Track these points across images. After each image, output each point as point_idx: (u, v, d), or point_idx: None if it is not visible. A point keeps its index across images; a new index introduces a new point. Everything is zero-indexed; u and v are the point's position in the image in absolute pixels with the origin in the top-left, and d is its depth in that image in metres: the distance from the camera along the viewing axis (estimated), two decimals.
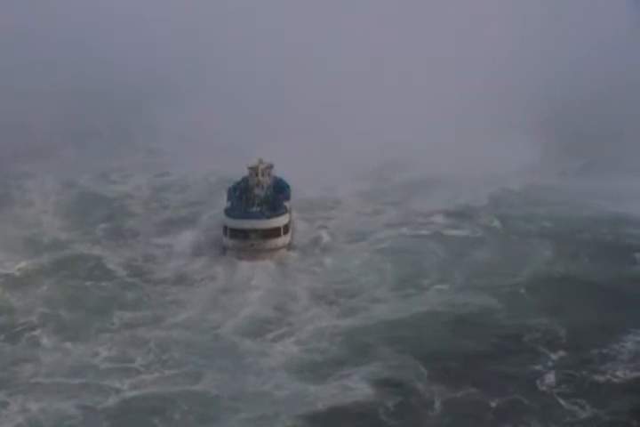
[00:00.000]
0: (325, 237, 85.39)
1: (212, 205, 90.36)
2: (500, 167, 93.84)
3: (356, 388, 63.58)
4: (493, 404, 60.94)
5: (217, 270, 79.08)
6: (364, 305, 74.13)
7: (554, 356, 65.92)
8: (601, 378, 63.56)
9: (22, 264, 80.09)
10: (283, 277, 79.00)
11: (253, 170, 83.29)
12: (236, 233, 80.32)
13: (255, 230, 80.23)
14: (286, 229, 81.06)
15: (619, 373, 64.05)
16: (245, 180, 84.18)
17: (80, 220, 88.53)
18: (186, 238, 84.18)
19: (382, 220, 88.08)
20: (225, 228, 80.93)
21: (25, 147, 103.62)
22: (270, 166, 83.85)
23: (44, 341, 70.44)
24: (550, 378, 63.45)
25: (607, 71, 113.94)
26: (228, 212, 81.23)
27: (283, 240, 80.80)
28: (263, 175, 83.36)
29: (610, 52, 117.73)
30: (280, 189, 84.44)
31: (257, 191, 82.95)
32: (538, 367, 64.73)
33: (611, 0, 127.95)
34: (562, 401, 61.29)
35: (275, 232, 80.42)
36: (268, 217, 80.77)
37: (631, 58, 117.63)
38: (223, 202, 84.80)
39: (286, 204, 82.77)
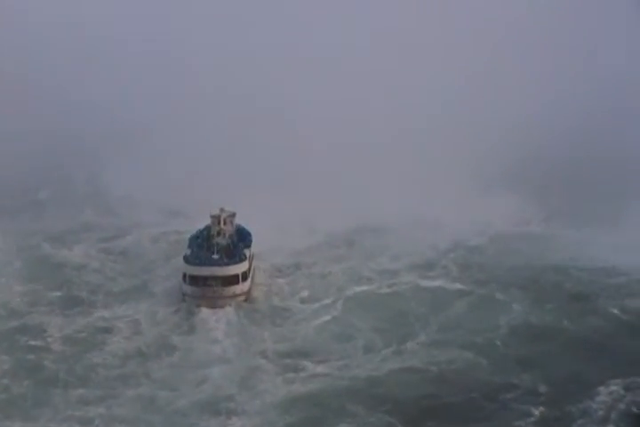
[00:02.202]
0: (290, 292, 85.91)
1: (168, 270, 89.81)
2: (468, 217, 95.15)
3: None
4: None
5: (173, 340, 78.34)
6: (334, 364, 74.35)
7: (534, 411, 67.46)
8: None
9: None
10: (245, 337, 78.94)
11: (215, 218, 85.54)
12: (194, 280, 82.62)
13: (214, 277, 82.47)
14: (245, 276, 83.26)
15: None
16: (208, 228, 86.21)
17: (31, 287, 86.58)
18: (140, 308, 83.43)
19: (350, 276, 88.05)
20: (184, 275, 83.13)
21: None
22: (233, 215, 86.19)
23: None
24: None
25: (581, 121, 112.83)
26: (187, 259, 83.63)
27: (241, 287, 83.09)
28: (225, 224, 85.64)
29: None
30: (241, 237, 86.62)
31: (218, 239, 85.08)
32: (519, 423, 66.17)
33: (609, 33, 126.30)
34: None
35: (233, 279, 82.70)
36: (227, 264, 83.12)
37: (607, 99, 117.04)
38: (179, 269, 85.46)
39: (247, 251, 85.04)
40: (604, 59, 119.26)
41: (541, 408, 67.99)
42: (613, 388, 70.16)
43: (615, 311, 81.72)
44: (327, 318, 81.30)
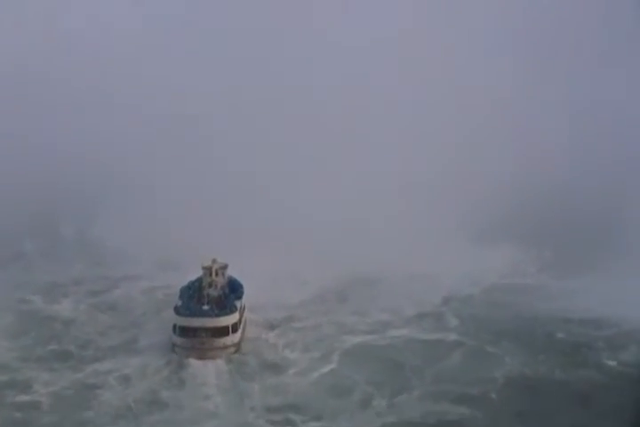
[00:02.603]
0: (282, 345, 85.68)
1: (158, 323, 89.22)
2: (460, 269, 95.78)
3: None
4: None
5: (164, 396, 77.55)
6: (327, 418, 73.80)
7: None
8: None
9: None
10: (236, 391, 78.32)
11: (207, 269, 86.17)
12: (184, 331, 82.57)
13: (204, 328, 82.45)
14: (235, 327, 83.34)
15: None
16: (199, 279, 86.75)
17: (19, 341, 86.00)
18: (130, 362, 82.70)
19: (344, 329, 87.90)
20: (174, 326, 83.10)
21: None
22: (225, 266, 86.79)
23: None
24: None
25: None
26: (177, 310, 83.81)
27: (232, 339, 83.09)
28: (217, 275, 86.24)
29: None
30: (233, 289, 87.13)
31: (209, 291, 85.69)
32: None
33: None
34: None
35: (223, 331, 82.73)
36: (217, 315, 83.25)
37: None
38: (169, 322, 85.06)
39: (238, 303, 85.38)
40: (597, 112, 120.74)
41: None
42: None
43: (608, 363, 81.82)
44: (320, 371, 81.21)
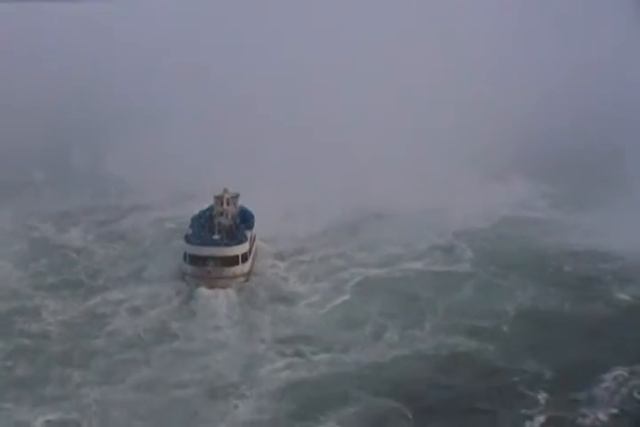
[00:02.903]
0: (292, 276, 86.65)
1: (168, 252, 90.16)
2: (472, 204, 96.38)
3: None
4: None
5: (174, 326, 78.48)
6: (331, 350, 74.86)
7: (540, 398, 68.25)
8: (585, 421, 66.04)
9: None
10: (246, 322, 79.21)
11: (218, 199, 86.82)
12: (194, 260, 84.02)
13: (213, 258, 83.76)
14: (245, 257, 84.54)
15: (600, 415, 66.69)
16: (211, 208, 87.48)
17: (30, 269, 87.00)
18: (140, 291, 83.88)
19: (355, 262, 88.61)
20: (184, 254, 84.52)
21: None
22: (236, 196, 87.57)
23: None
24: (539, 420, 65.78)
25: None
26: (188, 238, 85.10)
27: (241, 269, 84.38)
28: (228, 204, 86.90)
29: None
30: (244, 219, 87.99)
31: (221, 220, 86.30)
32: (525, 410, 66.74)
33: None
34: None
35: (233, 260, 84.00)
36: (227, 245, 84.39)
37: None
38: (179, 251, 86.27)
39: (248, 233, 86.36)
40: (603, 52, 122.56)
41: (546, 394, 68.67)
42: (617, 373, 71.03)
43: (617, 296, 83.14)
44: (331, 303, 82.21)
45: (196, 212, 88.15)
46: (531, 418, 66.43)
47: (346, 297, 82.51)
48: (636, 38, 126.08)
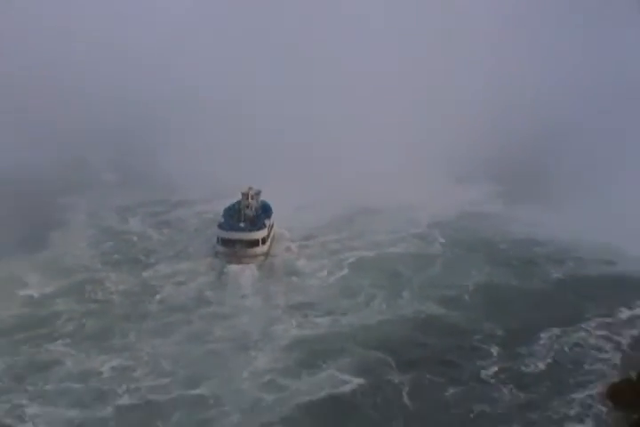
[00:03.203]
0: (302, 255, 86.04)
1: (205, 238, 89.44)
2: (442, 201, 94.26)
3: (333, 376, 65.89)
4: (450, 389, 64.55)
5: (209, 295, 78.60)
6: (332, 314, 75.23)
7: (493, 351, 69.50)
8: (527, 369, 67.58)
9: (50, 285, 78.41)
10: (266, 291, 79.64)
11: (244, 195, 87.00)
12: (225, 242, 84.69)
13: (240, 240, 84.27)
14: (264, 240, 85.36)
15: (539, 364, 68.14)
16: (239, 202, 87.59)
17: (100, 250, 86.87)
18: (183, 267, 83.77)
19: (351, 246, 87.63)
20: (217, 238, 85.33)
21: (70, 181, 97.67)
22: (258, 192, 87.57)
23: (61, 349, 69.50)
24: (492, 370, 67.05)
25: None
26: (221, 225, 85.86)
27: (261, 249, 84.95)
28: (252, 199, 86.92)
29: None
30: (264, 210, 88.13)
31: (246, 211, 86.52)
32: (482, 362, 68.12)
33: None
34: (500, 387, 64.96)
35: (255, 242, 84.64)
36: (250, 231, 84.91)
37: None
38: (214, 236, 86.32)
39: (267, 221, 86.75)
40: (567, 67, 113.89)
41: (498, 349, 69.78)
42: (551, 333, 71.96)
43: (550, 273, 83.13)
44: (332, 277, 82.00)
45: (227, 205, 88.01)
46: (486, 368, 67.57)
47: (344, 273, 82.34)
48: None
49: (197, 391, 64.20)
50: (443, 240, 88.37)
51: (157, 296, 77.93)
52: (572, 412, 61.81)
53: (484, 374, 66.53)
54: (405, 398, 63.55)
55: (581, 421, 60.88)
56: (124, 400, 63.09)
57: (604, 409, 61.29)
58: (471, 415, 61.77)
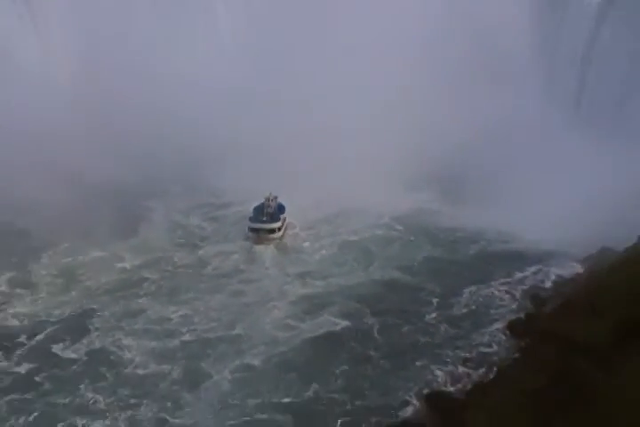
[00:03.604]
0: (306, 239, 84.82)
1: (240, 228, 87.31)
2: (395, 204, 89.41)
3: (328, 320, 67.77)
4: (405, 327, 66.18)
5: (242, 267, 77.48)
6: (327, 278, 75.17)
7: (434, 302, 70.26)
8: (456, 313, 68.28)
9: (137, 260, 78.65)
10: (280, 263, 79.08)
11: (266, 198, 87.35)
12: (252, 230, 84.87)
13: (263, 229, 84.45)
14: (279, 229, 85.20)
15: (463, 309, 68.65)
16: (262, 203, 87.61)
17: (169, 237, 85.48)
18: (225, 248, 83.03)
19: (339, 232, 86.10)
20: (248, 227, 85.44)
21: (149, 190, 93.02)
22: (275, 197, 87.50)
23: (145, 302, 70.51)
24: (433, 314, 68.27)
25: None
26: (250, 219, 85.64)
27: (277, 235, 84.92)
28: (271, 201, 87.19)
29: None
30: (280, 208, 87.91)
31: (267, 209, 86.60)
32: (426, 309, 69.22)
33: None
34: (438, 325, 66.50)
35: (273, 230, 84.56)
36: (270, 222, 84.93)
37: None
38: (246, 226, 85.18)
39: (282, 216, 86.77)
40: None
41: (437, 300, 70.73)
42: (471, 289, 72.11)
43: (470, 250, 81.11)
44: (326, 253, 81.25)
45: (254, 205, 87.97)
46: (429, 313, 68.56)
47: (334, 251, 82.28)
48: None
49: (235, 332, 65.41)
50: (400, 228, 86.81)
51: (209, 267, 78.12)
52: (485, 340, 63.38)
53: (427, 317, 67.58)
54: (375, 334, 65.19)
55: (490, 346, 62.61)
56: (186, 337, 64.78)
57: (504, 338, 63.02)
58: (419, 344, 63.99)
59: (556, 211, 75.09)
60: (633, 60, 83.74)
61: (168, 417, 55.73)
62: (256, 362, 61.02)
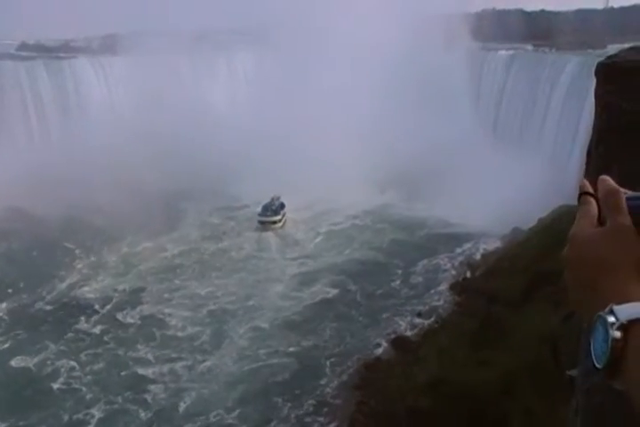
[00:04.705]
0: (301, 229, 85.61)
1: (253, 221, 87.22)
2: (366, 204, 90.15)
3: (321, 290, 67.92)
4: (378, 291, 66.81)
5: (249, 249, 78.60)
6: (318, 259, 75.86)
7: (399, 272, 70.76)
8: (414, 280, 68.47)
9: (175, 249, 78.30)
10: (280, 248, 79.59)
11: (271, 198, 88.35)
12: (260, 222, 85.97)
13: (268, 221, 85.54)
14: (280, 221, 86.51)
15: (419, 278, 68.61)
16: (269, 202, 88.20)
17: (194, 232, 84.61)
18: (240, 237, 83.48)
19: (327, 223, 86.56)
20: (257, 220, 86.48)
21: (184, 195, 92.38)
22: (279, 197, 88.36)
23: (180, 282, 69.55)
24: (397, 282, 68.94)
25: None
26: (259, 214, 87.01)
27: (278, 225, 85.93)
28: (275, 200, 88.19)
29: None
30: (282, 205, 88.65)
31: (272, 206, 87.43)
32: (392, 277, 69.88)
33: None
34: (402, 290, 66.05)
35: (275, 222, 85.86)
36: (272, 216, 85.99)
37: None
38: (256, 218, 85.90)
39: (282, 211, 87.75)
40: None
41: (400, 270, 71.14)
42: (424, 261, 72.62)
43: (420, 233, 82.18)
44: (318, 240, 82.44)
45: (263, 202, 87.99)
46: (394, 281, 69.12)
47: (322, 237, 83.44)
48: None
49: (249, 303, 65.08)
50: (372, 219, 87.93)
51: (228, 255, 78.38)
52: (434, 298, 64.17)
53: (392, 284, 68.37)
54: (358, 298, 65.75)
55: (438, 301, 63.31)
56: (212, 307, 64.54)
57: (448, 295, 63.31)
58: (388, 303, 64.11)
59: (483, 204, 77.41)
60: (526, 102, 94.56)
61: (198, 366, 55.34)
62: (266, 325, 61.70)
